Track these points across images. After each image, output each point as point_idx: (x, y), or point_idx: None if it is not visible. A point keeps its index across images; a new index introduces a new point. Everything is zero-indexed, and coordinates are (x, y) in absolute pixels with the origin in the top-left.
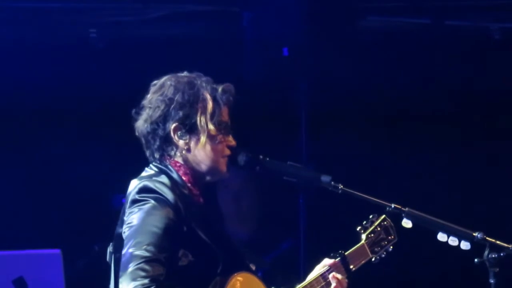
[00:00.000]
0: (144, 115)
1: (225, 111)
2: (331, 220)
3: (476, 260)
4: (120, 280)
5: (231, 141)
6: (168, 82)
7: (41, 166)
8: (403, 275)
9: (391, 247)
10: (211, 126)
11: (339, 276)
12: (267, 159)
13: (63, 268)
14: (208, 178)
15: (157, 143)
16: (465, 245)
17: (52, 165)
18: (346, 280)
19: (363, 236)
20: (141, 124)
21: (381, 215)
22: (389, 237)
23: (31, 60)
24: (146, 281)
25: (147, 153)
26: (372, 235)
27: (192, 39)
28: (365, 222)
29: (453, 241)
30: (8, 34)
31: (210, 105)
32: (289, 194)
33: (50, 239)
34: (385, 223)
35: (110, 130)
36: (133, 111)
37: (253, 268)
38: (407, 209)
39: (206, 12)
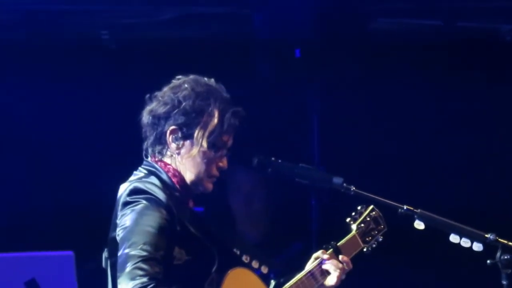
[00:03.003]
0: (152, 105)
1: (228, 134)
2: (343, 222)
3: (488, 261)
4: (119, 281)
5: (224, 163)
6: (186, 85)
7: (54, 167)
8: (415, 276)
9: (381, 237)
10: (204, 143)
11: (335, 262)
12: (279, 160)
13: (76, 270)
14: (191, 187)
15: (152, 137)
16: (477, 247)
17: (65, 167)
18: (349, 265)
19: (354, 227)
20: (146, 113)
21: (369, 205)
22: (379, 227)
23: (44, 62)
24: (145, 279)
25: (144, 144)
26: (362, 225)
27: (203, 41)
28: (353, 213)
29: (465, 242)
30: (20, 36)
31: (213, 122)
32: (301, 195)
33: (62, 240)
34: (374, 213)
35: (123, 132)
36: (147, 96)
37: (265, 270)
38: (419, 210)
39: (218, 14)
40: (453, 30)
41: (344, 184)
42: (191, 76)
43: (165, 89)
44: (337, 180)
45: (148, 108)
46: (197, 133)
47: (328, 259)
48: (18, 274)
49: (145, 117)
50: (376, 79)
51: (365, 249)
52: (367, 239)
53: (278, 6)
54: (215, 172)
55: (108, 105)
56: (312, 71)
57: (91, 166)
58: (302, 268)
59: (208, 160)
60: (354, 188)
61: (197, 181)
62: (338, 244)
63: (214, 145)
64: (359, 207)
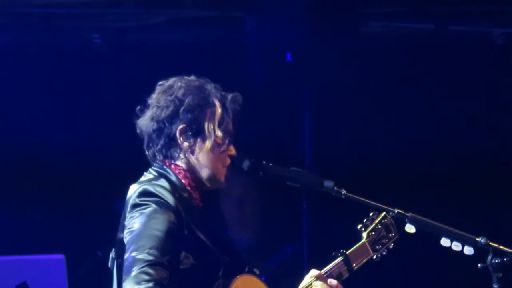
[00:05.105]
0: (150, 113)
1: (231, 121)
2: (334, 225)
3: (479, 265)
4: (124, 284)
5: (232, 150)
6: (179, 84)
7: (44, 170)
8: (407, 281)
9: (392, 244)
10: (219, 133)
11: (324, 286)
12: (270, 164)
13: (67, 273)
14: (207, 184)
15: (161, 142)
16: (468, 250)
17: (55, 170)
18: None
19: (364, 235)
20: (147, 122)
21: (381, 212)
22: (390, 235)
23: (35, 65)
24: (150, 284)
25: (149, 153)
26: (373, 233)
27: (195, 44)
28: (365, 220)
29: (456, 246)
30: (12, 39)
31: (219, 111)
32: (292, 199)
33: (53, 244)
34: (386, 220)
35: (113, 134)
36: (138, 108)
37: (257, 273)
38: (410, 214)
39: (209, 17)
40: (444, 34)
41: (335, 188)
42: (175, 78)
43: (157, 95)
44: (328, 183)
45: (147, 116)
46: (207, 126)
47: (320, 279)
48: (9, 277)
49: (148, 126)
50: (367, 83)
51: (374, 257)
52: (377, 247)
53: (270, 10)
54: (227, 160)
55: (99, 108)
56: (303, 74)
57: (83, 167)
58: (295, 272)
59: (222, 150)
60: (345, 191)
61: (214, 175)
62: (348, 252)
63: (226, 133)
64: (371, 214)
